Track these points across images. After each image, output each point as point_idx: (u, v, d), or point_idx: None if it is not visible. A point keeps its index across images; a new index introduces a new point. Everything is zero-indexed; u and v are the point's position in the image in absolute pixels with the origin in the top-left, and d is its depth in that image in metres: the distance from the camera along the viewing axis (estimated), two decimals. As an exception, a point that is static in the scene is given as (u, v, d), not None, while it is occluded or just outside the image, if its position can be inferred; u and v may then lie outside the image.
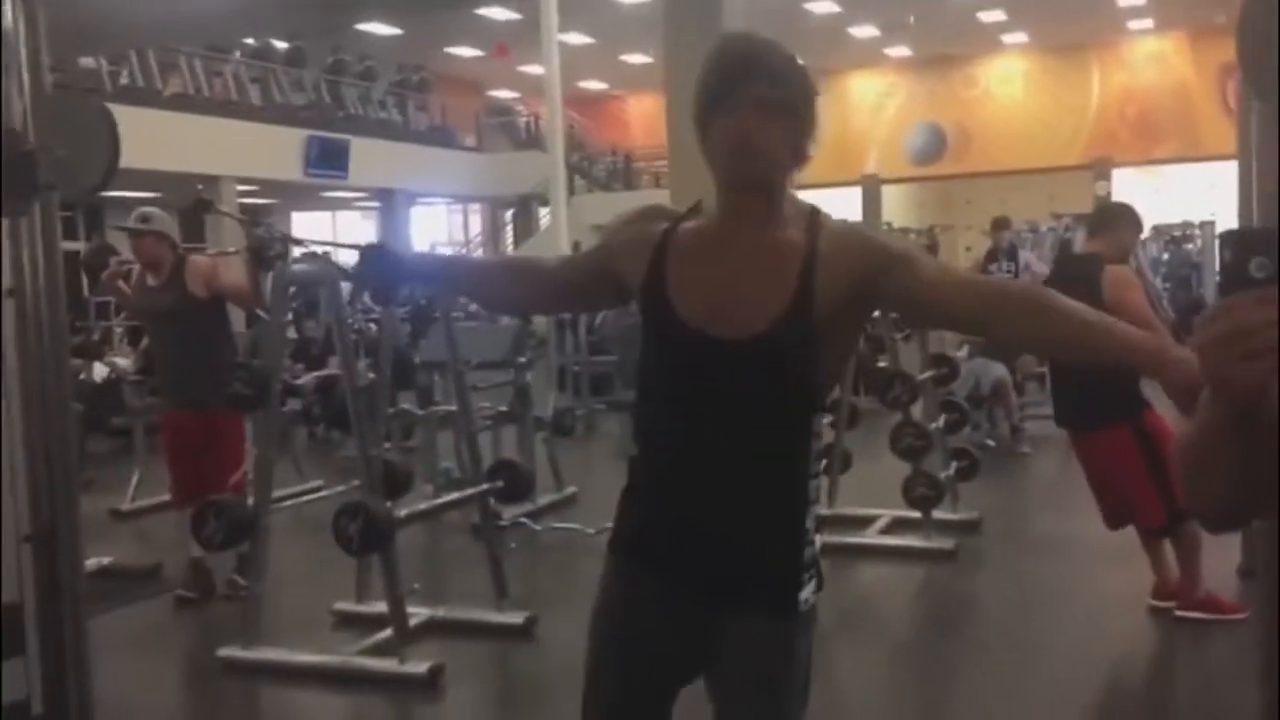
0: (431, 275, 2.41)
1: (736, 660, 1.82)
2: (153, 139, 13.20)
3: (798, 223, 1.81)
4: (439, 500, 5.35)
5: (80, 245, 18.59)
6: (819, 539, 1.88)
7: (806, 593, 1.81)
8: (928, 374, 5.93)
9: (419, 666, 4.09)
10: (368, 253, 2.15)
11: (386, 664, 4.17)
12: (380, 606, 4.53)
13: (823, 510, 5.97)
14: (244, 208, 17.68)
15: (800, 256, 1.77)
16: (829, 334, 1.77)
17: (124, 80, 15.04)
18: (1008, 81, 25.10)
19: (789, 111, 1.74)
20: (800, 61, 1.79)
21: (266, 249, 4.90)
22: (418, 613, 4.51)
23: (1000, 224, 9.30)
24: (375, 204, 21.76)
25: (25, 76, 2.38)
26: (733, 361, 1.76)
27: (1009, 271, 8.85)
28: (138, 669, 4.51)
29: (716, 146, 1.76)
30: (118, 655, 4.31)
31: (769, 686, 1.82)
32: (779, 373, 1.76)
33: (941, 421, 5.96)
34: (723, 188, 1.82)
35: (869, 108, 26.10)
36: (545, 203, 19.18)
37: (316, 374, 4.90)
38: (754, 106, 1.71)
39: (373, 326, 5.78)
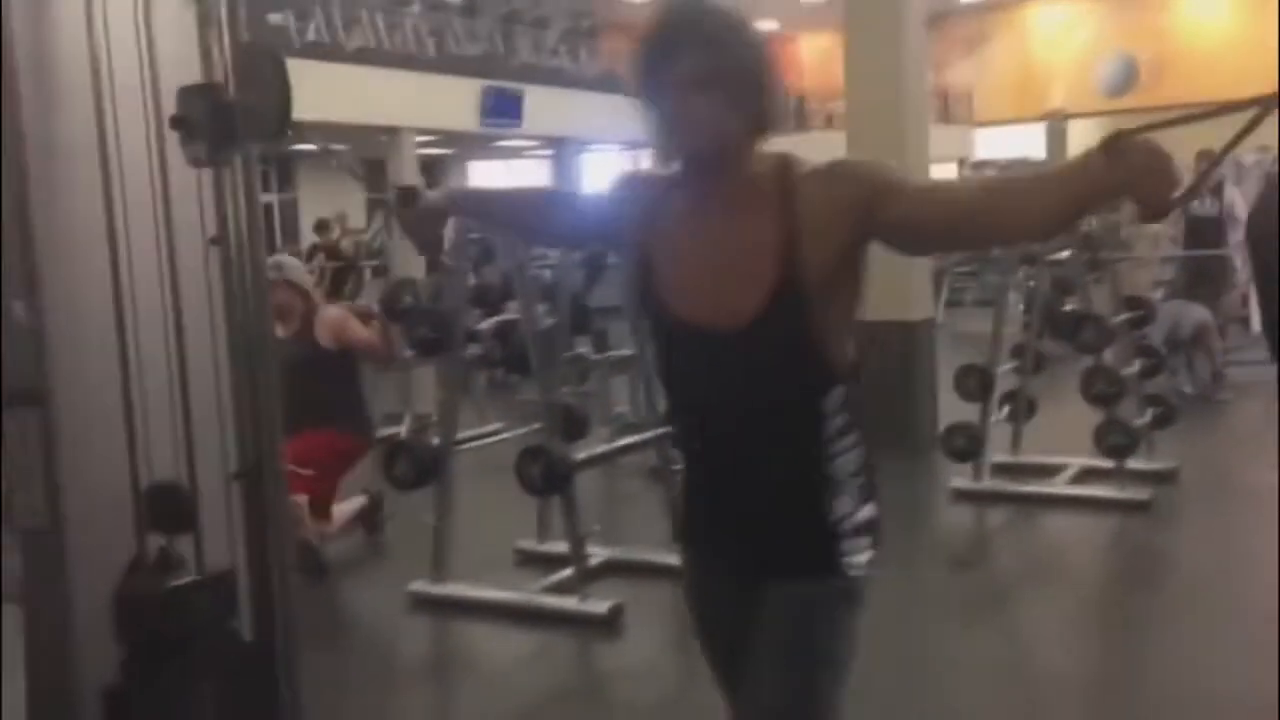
0: (470, 212, 2.42)
1: (764, 626, 1.76)
2: (338, 92, 13.64)
3: (769, 181, 1.71)
4: (616, 444, 5.40)
5: (274, 198, 19.41)
6: (871, 510, 1.78)
7: (853, 559, 1.74)
8: (1121, 317, 5.64)
9: (599, 606, 4.16)
10: (403, 196, 2.09)
11: (568, 602, 4.26)
12: (560, 546, 4.63)
13: (1005, 458, 5.81)
14: (422, 159, 18.15)
15: (776, 219, 1.68)
16: (828, 291, 1.67)
17: (310, 36, 15.55)
18: (1209, 4, 23.50)
19: (722, 80, 1.64)
20: (743, 19, 1.70)
21: (397, 303, 4.83)
22: (597, 553, 4.59)
23: (1204, 156, 8.70)
24: (548, 152, 22.00)
25: (225, 31, 2.46)
26: (729, 352, 1.71)
27: (1213, 211, 8.31)
28: (330, 601, 4.73)
29: (656, 130, 1.71)
30: (309, 587, 4.52)
31: (790, 653, 1.75)
32: (778, 356, 1.69)
33: (1136, 366, 5.68)
34: (682, 168, 1.77)
35: (1053, 39, 24.87)
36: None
37: (496, 319, 4.95)
38: (681, 84, 1.65)
39: (547, 273, 5.81)
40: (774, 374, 1.71)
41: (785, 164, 1.73)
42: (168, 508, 2.47)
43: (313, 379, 4.75)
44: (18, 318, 2.32)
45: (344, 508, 5.22)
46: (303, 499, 4.66)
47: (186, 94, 2.38)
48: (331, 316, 5.04)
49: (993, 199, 1.63)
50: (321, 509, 4.94)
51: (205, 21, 2.46)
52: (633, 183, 1.92)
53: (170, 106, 2.41)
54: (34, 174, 2.33)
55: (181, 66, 2.46)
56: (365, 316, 5.38)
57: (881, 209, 1.64)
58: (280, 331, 4.95)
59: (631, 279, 1.85)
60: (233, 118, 2.40)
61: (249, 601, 2.61)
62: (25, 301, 2.33)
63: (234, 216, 2.50)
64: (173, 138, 2.42)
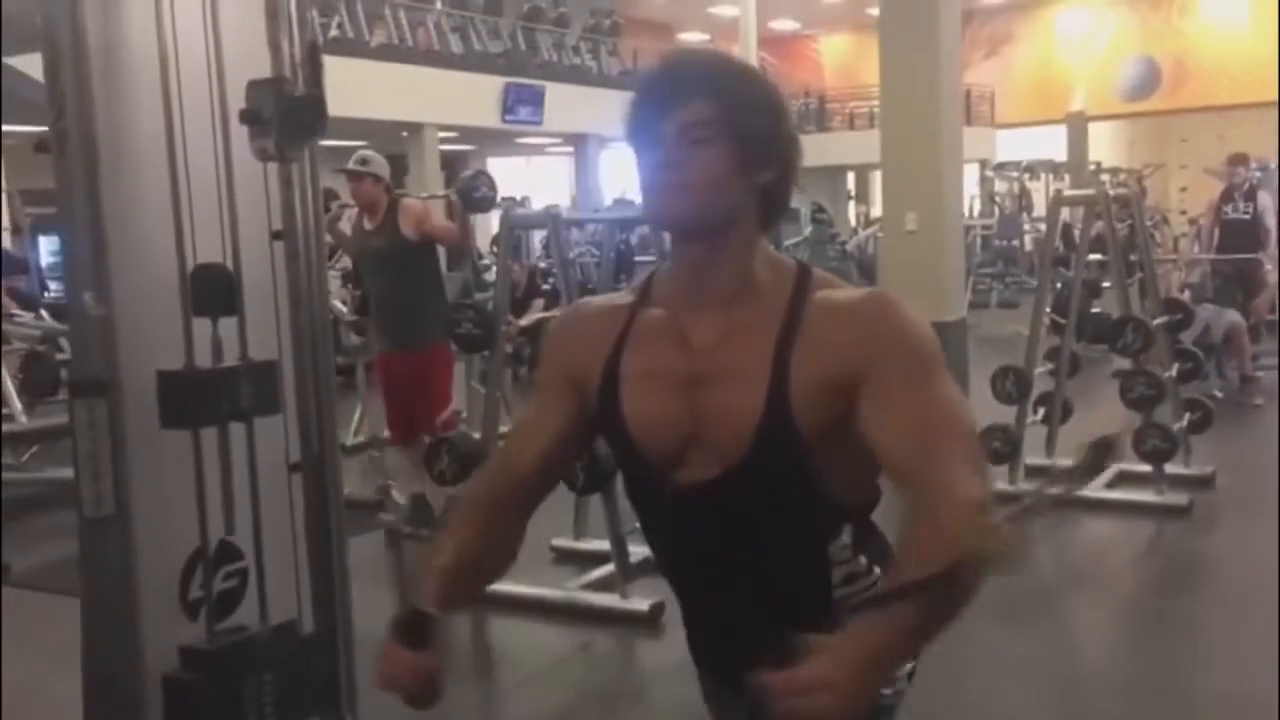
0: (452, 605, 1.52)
1: None
2: (361, 88, 13.65)
3: (778, 291, 1.40)
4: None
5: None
6: None
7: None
8: (1160, 320, 5.62)
9: (641, 604, 4.16)
10: (405, 629, 1.43)
11: (608, 599, 4.26)
12: (597, 544, 4.63)
13: (1040, 460, 5.79)
14: (444, 155, 18.17)
15: (771, 349, 1.37)
16: (838, 437, 1.36)
17: (334, 32, 15.58)
18: (1230, 8, 23.38)
19: (730, 134, 1.34)
20: (758, 72, 1.44)
21: (474, 191, 5.00)
22: (636, 551, 4.58)
23: (1238, 160, 8.59)
24: (568, 149, 22.01)
25: (295, 26, 2.47)
26: (707, 502, 1.42)
27: (1246, 214, 8.26)
28: (368, 597, 4.72)
29: (646, 193, 1.39)
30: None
31: None
32: (764, 506, 1.41)
33: (1174, 370, 5.65)
34: (670, 257, 1.48)
35: (1076, 41, 24.80)
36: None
37: (535, 316, 5.00)
38: (679, 134, 1.34)
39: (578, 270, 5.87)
40: (763, 528, 1.43)
41: (803, 280, 1.41)
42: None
43: (396, 270, 5.02)
44: (88, 308, 2.33)
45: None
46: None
47: (256, 88, 2.38)
48: (414, 206, 5.25)
49: (914, 506, 1.30)
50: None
51: (273, 16, 2.47)
52: (574, 323, 1.60)
53: (236, 100, 2.42)
54: (104, 167, 2.34)
55: (248, 60, 2.47)
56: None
57: (859, 395, 1.34)
58: (366, 224, 5.18)
59: (596, 418, 1.49)
60: (301, 112, 2.41)
61: (310, 594, 2.62)
62: (95, 292, 2.34)
63: (300, 210, 2.51)
64: (238, 131, 2.43)
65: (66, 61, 2.29)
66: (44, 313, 9.29)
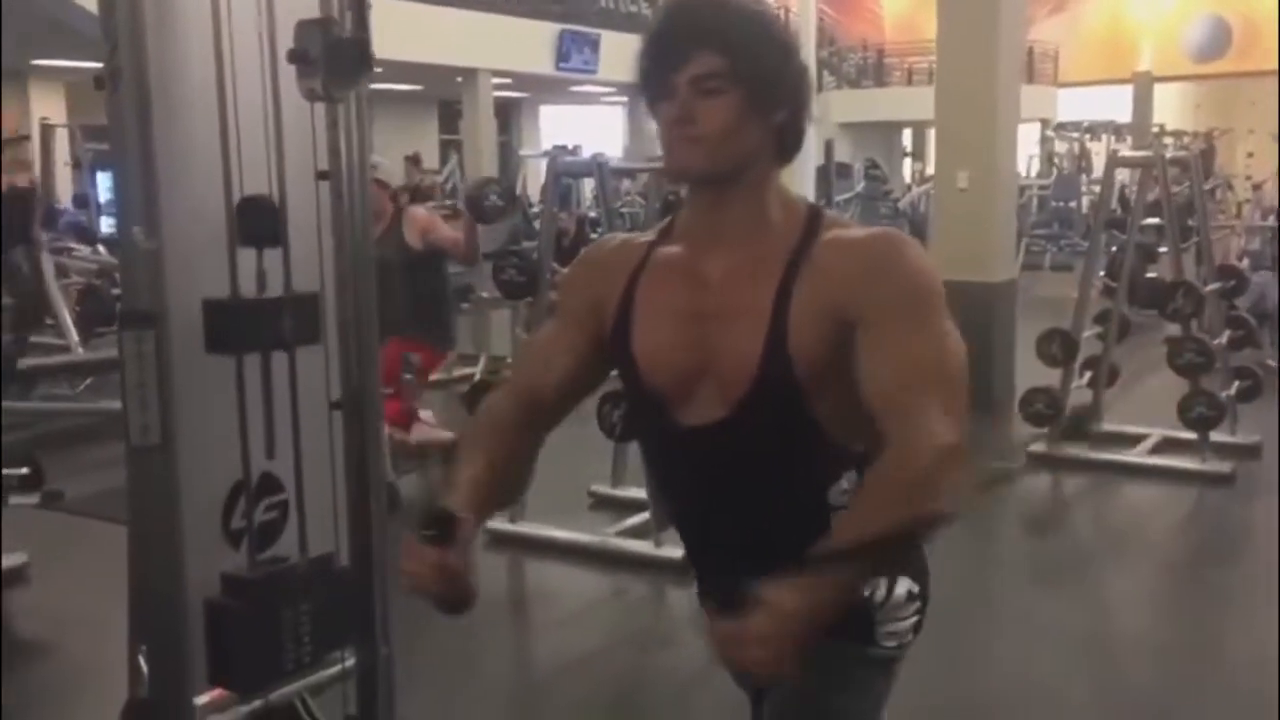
0: (485, 509, 1.53)
1: (783, 685, 1.48)
2: (414, 31, 13.66)
3: (789, 231, 1.42)
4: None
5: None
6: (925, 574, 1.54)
7: (886, 629, 1.50)
8: (1214, 286, 5.53)
9: (674, 551, 4.18)
10: (431, 525, 1.40)
11: (643, 546, 4.31)
12: (634, 491, 4.68)
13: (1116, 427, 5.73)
14: (498, 101, 18.15)
15: (776, 285, 1.39)
16: (834, 378, 1.37)
17: (390, -25, 15.56)
18: (1306, -33, 22.67)
19: (740, 81, 1.36)
20: (763, 10, 1.45)
21: (484, 200, 4.89)
22: (672, 500, 4.63)
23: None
24: (622, 98, 21.89)
25: (342, -36, 2.47)
26: (710, 441, 1.44)
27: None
28: (400, 535, 4.81)
29: (660, 143, 1.42)
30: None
31: (807, 715, 1.51)
32: (765, 447, 1.43)
33: (1225, 337, 5.57)
34: (687, 198, 1.50)
35: (1144, -2, 24.22)
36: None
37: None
38: (692, 84, 1.37)
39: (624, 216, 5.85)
40: (761, 467, 1.45)
41: (814, 221, 1.44)
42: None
43: (399, 280, 4.84)
44: (138, 241, 2.38)
45: (429, 432, 5.31)
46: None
47: (304, 28, 2.40)
48: (419, 216, 5.13)
49: (885, 438, 1.31)
50: (400, 425, 5.06)
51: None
52: (595, 255, 1.62)
53: (284, 40, 2.44)
54: (156, 104, 2.37)
55: (297, 1, 2.48)
56: (449, 218, 5.50)
57: (857, 331, 1.36)
58: None
59: (609, 348, 1.52)
60: (349, 52, 2.43)
61: (348, 527, 2.68)
62: (145, 226, 2.39)
63: (345, 151, 2.54)
64: (286, 71, 2.45)
65: (121, -2, 2.32)
66: (100, 248, 9.47)
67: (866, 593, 1.46)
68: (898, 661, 1.55)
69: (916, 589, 1.53)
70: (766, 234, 1.43)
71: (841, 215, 1.50)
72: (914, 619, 1.53)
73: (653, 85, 1.41)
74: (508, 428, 1.57)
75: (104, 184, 11.91)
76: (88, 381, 7.01)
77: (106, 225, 11.09)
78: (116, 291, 8.11)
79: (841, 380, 1.37)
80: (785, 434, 1.42)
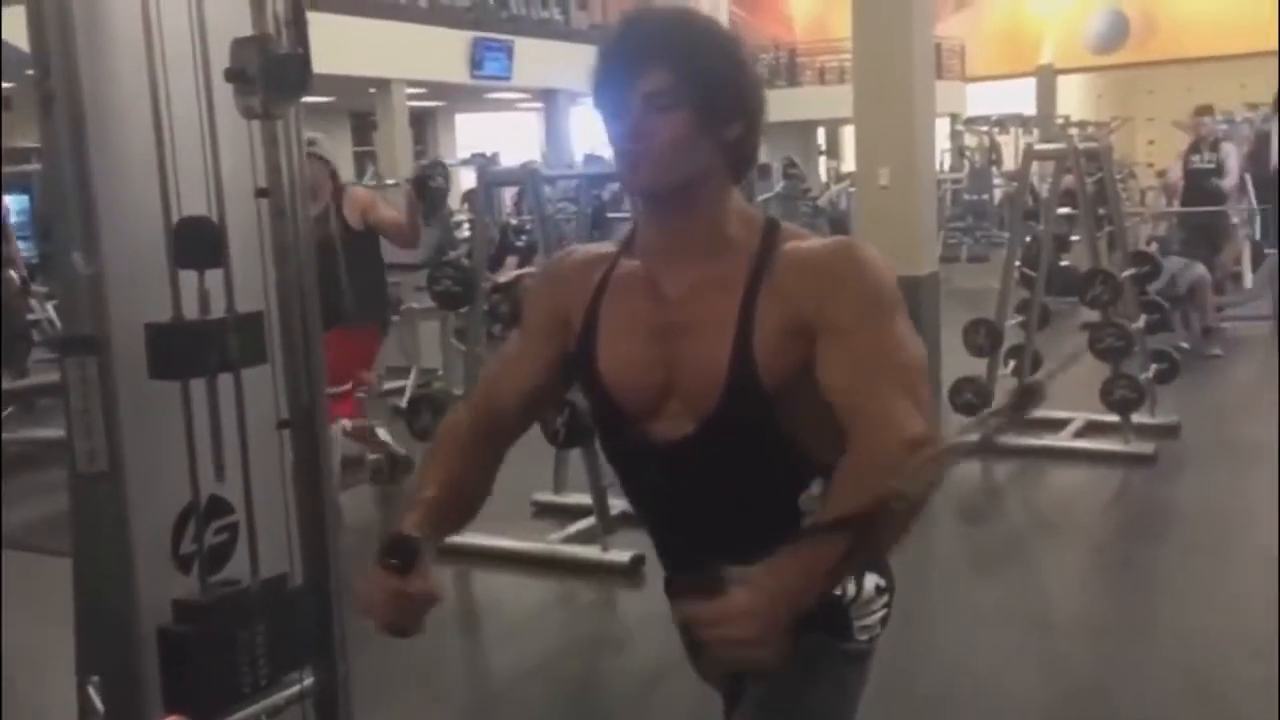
0: (440, 532, 1.56)
1: (756, 680, 1.52)
2: (325, 42, 13.37)
3: (747, 244, 1.43)
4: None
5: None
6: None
7: (857, 623, 1.53)
8: (1129, 272, 5.71)
9: (622, 555, 4.23)
10: (392, 553, 1.43)
11: (589, 551, 4.33)
12: (576, 498, 4.69)
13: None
14: (413, 111, 18.01)
15: (738, 300, 1.40)
16: (799, 389, 1.39)
17: (299, -15, 15.34)
18: (1200, -42, 23.43)
19: (691, 97, 1.37)
20: (717, 27, 1.45)
21: (429, 180, 4.87)
22: (616, 504, 4.65)
23: (1203, 111, 8.74)
24: (538, 105, 21.87)
25: (277, -19, 2.46)
26: (680, 455, 1.45)
27: (1210, 164, 8.37)
28: (354, 552, 4.77)
29: (616, 159, 1.43)
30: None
31: (782, 710, 1.51)
32: (735, 460, 1.44)
33: (1142, 322, 5.75)
34: (643, 213, 1.51)
35: (1045, -7, 24.82)
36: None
37: (513, 274, 5.02)
38: (644, 101, 1.37)
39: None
40: (731, 479, 1.46)
41: (772, 233, 1.45)
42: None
43: (338, 258, 4.81)
44: (77, 266, 2.34)
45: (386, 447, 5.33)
46: (347, 423, 4.82)
47: (241, 46, 2.38)
48: (361, 195, 5.10)
49: (850, 435, 1.34)
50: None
51: (254, -29, 2.46)
52: (561, 268, 1.62)
53: (219, 58, 2.42)
54: (90, 127, 2.34)
55: (230, 17, 2.46)
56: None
57: (818, 339, 1.38)
58: (310, 209, 5.02)
59: (574, 363, 1.53)
60: (289, 68, 2.42)
61: (300, 546, 2.66)
62: (83, 251, 2.35)
63: (285, 167, 2.52)
64: (222, 89, 2.43)
65: (51, 20, 2.28)
66: (12, 272, 9.21)
67: (838, 591, 1.48)
68: (870, 655, 1.58)
69: (884, 583, 1.56)
70: (725, 248, 1.44)
71: (794, 226, 1.51)
72: (882, 612, 1.56)
73: (605, 101, 1.41)
74: (467, 446, 1.59)
75: (15, 207, 11.57)
76: (9, 410, 6.83)
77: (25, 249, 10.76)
78: (32, 317, 7.94)
79: (808, 390, 1.39)
80: (754, 446, 1.43)
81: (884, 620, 1.57)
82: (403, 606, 1.39)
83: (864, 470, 1.30)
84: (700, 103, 1.37)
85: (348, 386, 4.84)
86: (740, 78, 1.42)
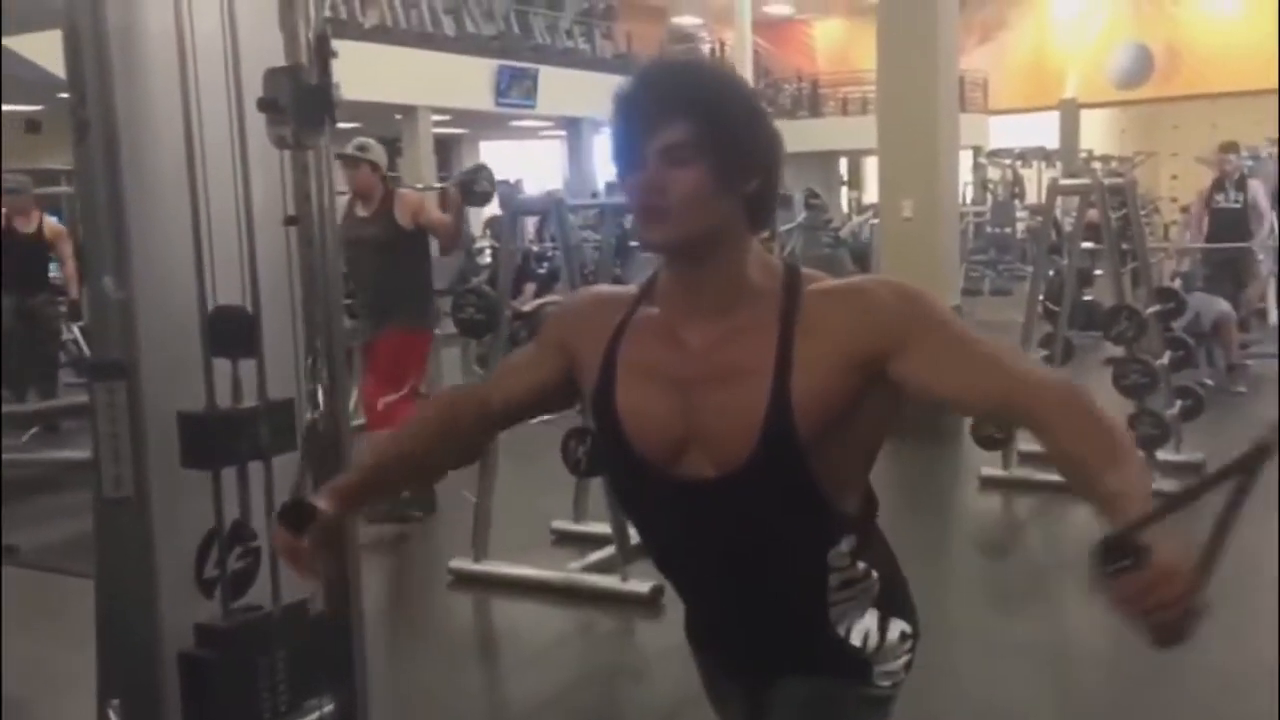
0: (353, 499, 1.64)
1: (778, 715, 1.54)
2: (353, 70, 13.59)
3: (770, 296, 1.42)
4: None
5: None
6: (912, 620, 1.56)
7: (880, 669, 1.52)
8: (1153, 308, 5.68)
9: (641, 585, 4.21)
10: (286, 515, 1.58)
11: (609, 581, 4.31)
12: (596, 526, 4.68)
13: (1032, 446, 5.84)
14: (437, 138, 18.15)
15: (769, 346, 1.38)
16: (837, 431, 1.38)
17: (326, 12, 15.50)
18: (1224, -7, 23.44)
19: (710, 151, 1.34)
20: (732, 78, 1.44)
21: (473, 184, 5.05)
22: (635, 534, 4.65)
23: (1228, 148, 8.67)
24: (561, 133, 22.01)
25: (311, 12, 2.50)
26: (708, 504, 1.42)
27: (1236, 203, 8.34)
28: (373, 579, 4.77)
29: (633, 213, 1.42)
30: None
31: None
32: (767, 510, 1.41)
33: (1166, 358, 5.72)
34: (664, 264, 1.48)
35: (1069, 27, 24.86)
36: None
37: (536, 302, 5.08)
38: (661, 155, 1.35)
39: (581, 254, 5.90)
40: (763, 531, 1.43)
41: (793, 278, 1.43)
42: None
43: (389, 259, 5.08)
44: (108, 291, 2.37)
45: None
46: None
47: (273, 76, 2.41)
48: (411, 197, 5.37)
49: (1033, 413, 1.35)
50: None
51: (288, 3, 2.50)
52: (582, 304, 1.64)
53: (251, 88, 2.45)
54: (124, 153, 2.37)
55: (262, 47, 2.49)
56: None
57: (896, 366, 1.37)
58: (360, 210, 5.22)
59: (590, 405, 1.52)
60: (318, 100, 2.45)
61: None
62: (114, 276, 2.38)
63: (315, 196, 2.55)
64: (254, 118, 2.46)
65: (88, 49, 2.32)
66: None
67: (858, 642, 1.49)
68: (892, 700, 1.55)
69: (909, 629, 1.54)
70: (748, 298, 1.42)
71: (810, 269, 1.50)
72: (906, 658, 1.55)
73: (622, 154, 1.39)
74: (433, 419, 1.69)
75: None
76: (33, 431, 6.89)
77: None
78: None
79: (841, 436, 1.39)
80: (785, 493, 1.41)
81: (908, 665, 1.55)
82: (298, 561, 1.56)
83: (1088, 426, 1.31)
84: (719, 156, 1.35)
85: (405, 391, 5.01)
86: (759, 130, 1.41)
